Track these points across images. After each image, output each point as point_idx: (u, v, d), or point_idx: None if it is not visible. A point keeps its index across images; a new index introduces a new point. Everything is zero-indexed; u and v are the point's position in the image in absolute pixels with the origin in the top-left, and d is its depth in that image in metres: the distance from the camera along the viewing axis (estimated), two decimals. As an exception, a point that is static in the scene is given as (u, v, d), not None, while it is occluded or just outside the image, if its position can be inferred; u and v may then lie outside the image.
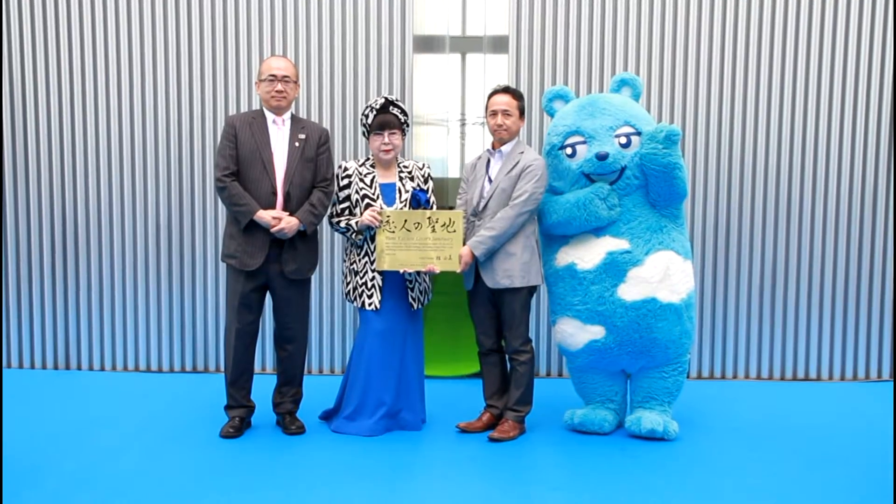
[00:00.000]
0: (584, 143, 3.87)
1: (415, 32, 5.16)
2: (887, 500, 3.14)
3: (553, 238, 4.01)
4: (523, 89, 5.00)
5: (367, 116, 3.95)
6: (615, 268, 3.80)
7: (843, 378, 5.22)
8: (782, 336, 5.21)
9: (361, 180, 3.94)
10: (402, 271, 3.87)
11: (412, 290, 3.98)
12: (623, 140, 3.82)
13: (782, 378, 5.23)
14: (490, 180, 3.96)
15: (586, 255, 3.86)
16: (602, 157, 3.77)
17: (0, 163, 5.15)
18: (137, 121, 5.16)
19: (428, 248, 3.84)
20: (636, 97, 4.05)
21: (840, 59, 5.07)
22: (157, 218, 5.19)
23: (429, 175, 4.07)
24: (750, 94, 5.09)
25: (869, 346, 5.20)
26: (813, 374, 5.23)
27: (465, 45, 5.45)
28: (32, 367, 5.31)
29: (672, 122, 5.08)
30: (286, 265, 3.86)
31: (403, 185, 3.98)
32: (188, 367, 5.29)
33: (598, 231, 3.86)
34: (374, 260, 3.89)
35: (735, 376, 5.24)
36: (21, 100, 5.15)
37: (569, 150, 3.90)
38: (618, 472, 3.48)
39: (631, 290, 3.78)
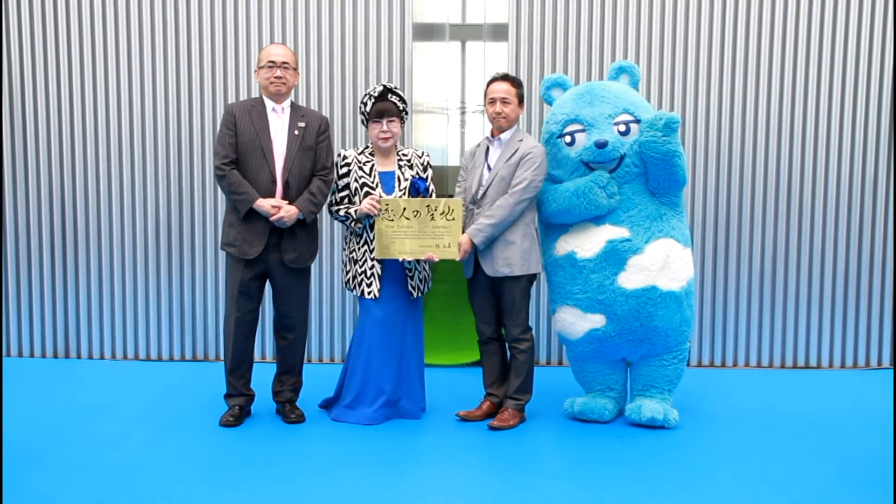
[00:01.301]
0: (582, 131, 3.85)
1: (414, 20, 5.13)
2: (887, 488, 3.14)
3: (552, 227, 4.00)
4: (523, 77, 4.98)
5: (365, 104, 3.94)
6: (615, 256, 3.79)
7: (843, 366, 5.22)
8: (782, 324, 5.21)
9: (360, 168, 3.93)
10: (401, 259, 3.87)
11: (412, 278, 3.97)
12: (622, 128, 3.80)
13: (782, 366, 5.23)
14: (489, 168, 3.94)
15: (586, 244, 3.85)
16: (601, 146, 3.76)
17: (-2, 152, 5.15)
18: (136, 110, 5.14)
19: (427, 237, 3.83)
20: (634, 84, 4.03)
21: (840, 46, 5.04)
22: (156, 206, 5.18)
23: (428, 163, 4.06)
24: (750, 82, 5.07)
25: (869, 334, 5.20)
26: (813, 362, 5.23)
27: (464, 33, 5.44)
28: (32, 355, 5.32)
29: (672, 110, 5.06)
30: (286, 254, 3.86)
31: (402, 174, 3.96)
32: (188, 356, 5.29)
33: (597, 219, 3.85)
34: (373, 248, 3.88)
35: (735, 364, 5.25)
36: (20, 89, 5.13)
37: (567, 139, 3.88)
38: (618, 460, 3.48)
39: (631, 278, 3.77)
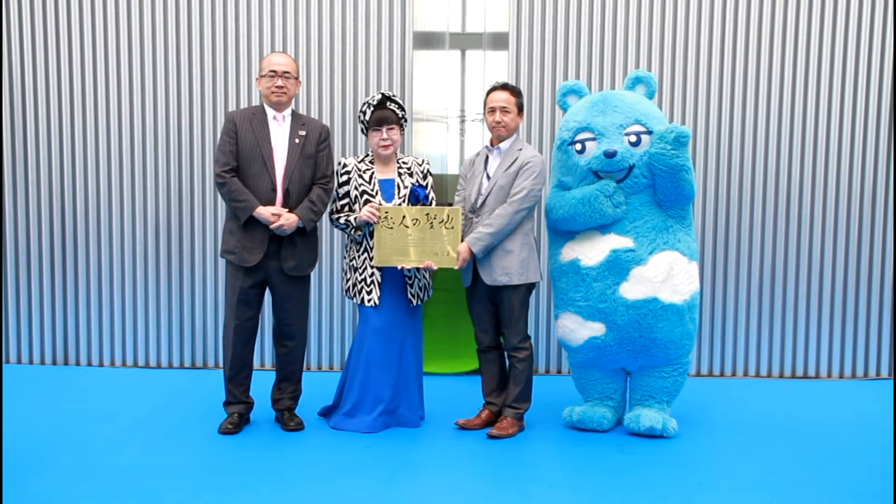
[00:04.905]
0: (593, 139, 3.84)
1: (415, 29, 5.16)
2: (887, 498, 3.14)
3: (559, 233, 4.00)
4: (523, 86, 5.01)
5: (364, 113, 3.95)
6: (618, 266, 3.78)
7: (842, 376, 5.22)
8: (781, 333, 5.21)
9: (360, 176, 3.94)
10: (400, 267, 3.87)
11: (411, 286, 3.98)
12: (633, 138, 3.79)
13: (781, 376, 5.23)
14: (488, 177, 3.95)
15: (590, 252, 3.85)
16: (610, 155, 3.75)
17: (-1, 158, 5.16)
18: (137, 117, 5.16)
19: (426, 245, 3.83)
20: (650, 95, 4.01)
21: (839, 58, 5.06)
22: (156, 214, 5.19)
23: (428, 171, 4.06)
24: (750, 92, 5.08)
25: (868, 344, 5.20)
26: (812, 372, 5.23)
27: (464, 41, 5.45)
28: (31, 362, 5.31)
29: (672, 119, 5.08)
30: (285, 262, 3.86)
31: (402, 182, 3.97)
32: (187, 363, 5.29)
33: (603, 228, 3.84)
34: (373, 256, 3.89)
35: (734, 374, 5.25)
36: (21, 95, 5.15)
37: (578, 146, 3.87)
38: (616, 469, 3.48)
39: (633, 288, 3.77)
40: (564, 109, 4.13)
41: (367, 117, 3.93)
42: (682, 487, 3.25)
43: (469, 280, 4.00)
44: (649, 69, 5.05)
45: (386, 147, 3.92)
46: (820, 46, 5.06)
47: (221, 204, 5.01)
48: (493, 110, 3.93)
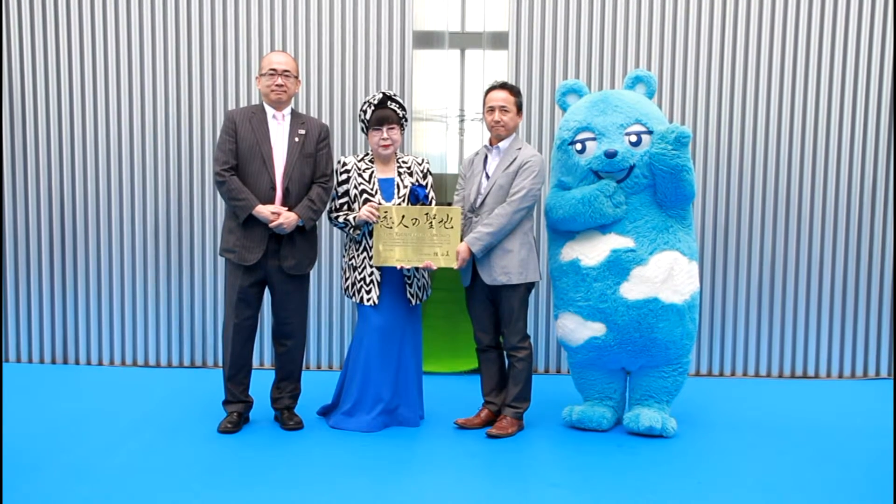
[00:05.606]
0: (593, 139, 3.83)
1: (414, 28, 5.15)
2: (887, 498, 3.14)
3: (560, 233, 3.99)
4: (522, 86, 5.01)
5: (364, 112, 3.95)
6: (619, 266, 3.78)
7: (841, 376, 5.22)
8: (781, 333, 5.21)
9: (360, 175, 3.94)
10: (399, 267, 3.87)
11: (411, 285, 3.97)
12: (633, 138, 3.78)
13: (781, 375, 5.23)
14: (487, 176, 3.95)
15: (591, 252, 3.84)
16: (610, 155, 3.75)
17: (-1, 157, 5.16)
18: (136, 115, 5.15)
19: (425, 244, 3.83)
20: (650, 95, 4.00)
21: (839, 60, 5.06)
22: (155, 212, 5.19)
23: (428, 171, 4.06)
24: (749, 92, 5.09)
25: (867, 344, 5.20)
26: (812, 372, 5.23)
27: (464, 41, 5.44)
28: (30, 361, 5.31)
29: (672, 118, 5.08)
30: (285, 260, 3.86)
31: (402, 181, 3.97)
32: (186, 362, 5.29)
33: (603, 228, 3.83)
34: (372, 255, 3.88)
35: (734, 373, 5.25)
36: (20, 94, 5.15)
37: (578, 146, 3.86)
38: (616, 468, 3.47)
39: (633, 288, 3.76)
40: (564, 109, 4.12)
41: (368, 116, 3.93)
42: (682, 487, 3.25)
43: (468, 280, 4.00)
44: (649, 69, 5.05)
45: (386, 146, 3.91)
46: (820, 45, 5.07)
47: (221, 203, 5.01)
48: (492, 109, 3.93)
